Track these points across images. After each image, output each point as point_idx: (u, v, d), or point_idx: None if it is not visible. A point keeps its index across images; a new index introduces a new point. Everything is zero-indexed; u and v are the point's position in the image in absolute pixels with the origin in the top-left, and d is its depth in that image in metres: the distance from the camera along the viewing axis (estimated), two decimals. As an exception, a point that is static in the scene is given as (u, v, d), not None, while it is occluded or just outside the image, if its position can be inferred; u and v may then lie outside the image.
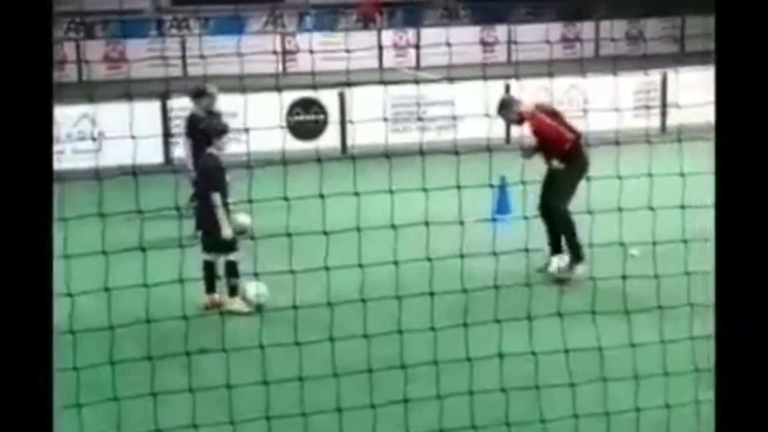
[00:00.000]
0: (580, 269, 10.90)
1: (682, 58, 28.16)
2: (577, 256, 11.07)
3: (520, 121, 11.60)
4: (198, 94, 13.70)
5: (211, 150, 10.56)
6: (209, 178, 10.42)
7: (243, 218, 12.08)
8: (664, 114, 21.21)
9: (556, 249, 11.37)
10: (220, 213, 10.17)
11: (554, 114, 11.58)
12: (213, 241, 10.24)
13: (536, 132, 11.35)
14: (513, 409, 6.93)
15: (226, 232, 10.13)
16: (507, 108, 11.61)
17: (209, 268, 10.32)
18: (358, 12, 36.19)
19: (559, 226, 11.26)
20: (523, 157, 11.20)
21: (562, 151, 11.17)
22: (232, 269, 10.27)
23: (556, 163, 11.22)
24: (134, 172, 6.71)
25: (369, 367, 6.70)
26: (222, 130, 10.68)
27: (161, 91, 18.23)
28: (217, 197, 10.18)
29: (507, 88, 20.20)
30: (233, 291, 10.30)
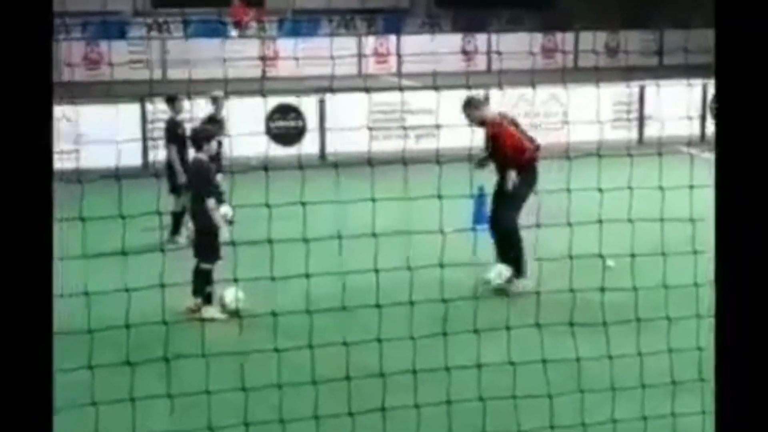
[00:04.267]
0: (521, 284, 10.81)
1: (661, 70, 28.32)
2: (519, 270, 11.02)
3: (481, 123, 11.46)
4: (172, 100, 13.72)
5: (201, 155, 10.58)
6: (202, 182, 10.44)
7: (225, 209, 12.56)
8: (641, 126, 21.32)
9: (503, 261, 11.26)
10: (218, 216, 10.22)
11: (515, 124, 11.50)
12: (207, 246, 10.24)
13: (495, 137, 11.18)
14: (490, 418, 6.95)
15: (225, 234, 10.17)
16: (472, 106, 11.41)
17: (199, 273, 10.29)
18: (232, 17, 36.04)
19: (507, 241, 11.14)
20: (477, 167, 11.17)
21: (520, 161, 11.01)
22: (207, 277, 10.25)
23: (513, 175, 11.01)
24: (117, 175, 6.70)
25: (347, 375, 6.70)
26: (211, 135, 10.76)
27: (141, 93, 18.18)
28: (212, 202, 10.23)
29: (486, 98, 20.28)
30: (208, 299, 10.27)
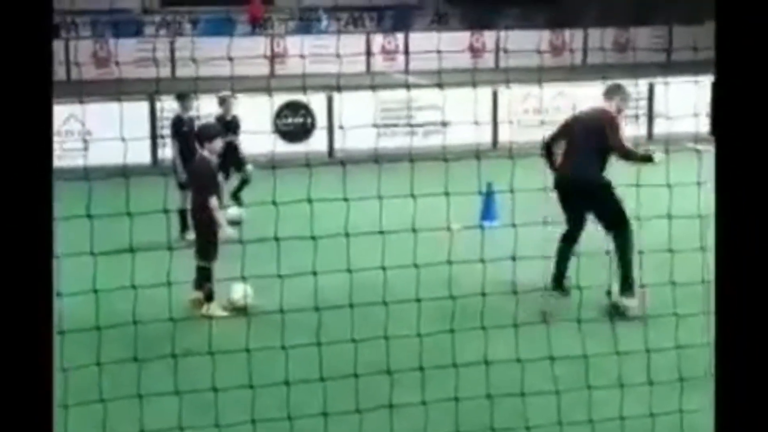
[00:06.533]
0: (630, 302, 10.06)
1: (670, 67, 28.26)
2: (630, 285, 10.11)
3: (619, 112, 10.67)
4: (182, 97, 13.76)
5: (204, 153, 10.58)
6: (204, 181, 10.42)
7: (234, 211, 13.35)
8: (650, 123, 21.29)
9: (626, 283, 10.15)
10: (219, 215, 10.20)
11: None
12: (207, 245, 10.24)
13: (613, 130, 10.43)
14: (498, 415, 6.95)
15: (225, 233, 10.16)
16: (614, 93, 10.82)
17: (201, 271, 10.30)
18: (247, 14, 35.96)
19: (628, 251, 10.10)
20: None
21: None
22: (207, 275, 10.25)
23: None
24: (124, 173, 6.71)
25: (355, 372, 6.72)
26: (214, 134, 10.74)
27: (149, 91, 18.22)
28: (214, 201, 10.20)
29: (495, 95, 20.28)
30: (209, 296, 10.27)
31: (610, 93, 10.82)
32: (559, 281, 10.36)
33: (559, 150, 10.61)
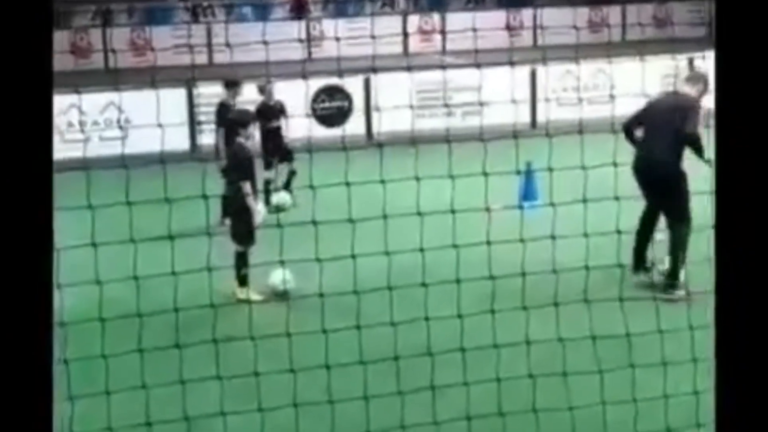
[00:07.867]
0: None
1: (709, 42, 27.93)
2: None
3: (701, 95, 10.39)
4: (229, 84, 13.80)
5: (240, 139, 10.61)
6: (239, 167, 10.47)
7: (282, 196, 13.42)
8: (691, 98, 21.04)
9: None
10: (251, 202, 10.22)
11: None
12: (242, 230, 10.27)
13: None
14: (540, 395, 6.92)
15: (258, 220, 10.18)
16: (697, 80, 10.60)
17: (239, 256, 10.35)
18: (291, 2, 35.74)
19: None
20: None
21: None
22: (243, 260, 10.28)
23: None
24: (162, 159, 6.73)
25: (396, 354, 6.71)
26: (248, 120, 10.77)
27: (187, 78, 18.28)
28: (247, 186, 10.23)
29: (533, 73, 20.15)
30: (243, 281, 10.29)
31: (693, 79, 10.71)
32: (639, 262, 10.32)
33: (639, 133, 10.47)
